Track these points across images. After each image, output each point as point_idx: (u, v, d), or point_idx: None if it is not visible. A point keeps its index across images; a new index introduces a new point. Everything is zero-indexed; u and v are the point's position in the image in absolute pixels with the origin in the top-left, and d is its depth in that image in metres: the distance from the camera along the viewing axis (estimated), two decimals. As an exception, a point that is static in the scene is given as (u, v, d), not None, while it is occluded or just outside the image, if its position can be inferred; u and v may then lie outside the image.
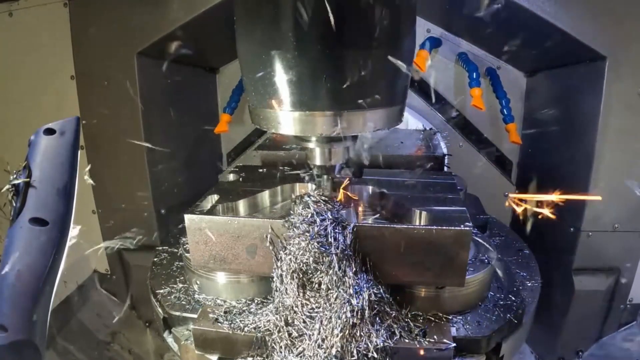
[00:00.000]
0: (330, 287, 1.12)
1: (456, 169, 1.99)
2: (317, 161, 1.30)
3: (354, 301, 1.10)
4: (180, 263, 1.58)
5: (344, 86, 1.09)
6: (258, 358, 1.20)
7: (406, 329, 1.19)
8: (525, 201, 1.37)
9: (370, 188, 1.48)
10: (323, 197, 1.25)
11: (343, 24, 1.03)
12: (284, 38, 1.05)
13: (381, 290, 1.17)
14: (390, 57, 1.11)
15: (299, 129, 1.15)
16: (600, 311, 1.95)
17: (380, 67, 1.11)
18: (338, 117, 1.12)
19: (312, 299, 1.15)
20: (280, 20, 1.05)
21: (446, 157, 1.83)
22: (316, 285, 1.14)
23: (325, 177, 1.36)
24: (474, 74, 2.06)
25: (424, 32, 2.20)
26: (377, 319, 1.15)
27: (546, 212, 1.29)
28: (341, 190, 1.37)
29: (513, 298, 1.35)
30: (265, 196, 1.50)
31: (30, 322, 0.86)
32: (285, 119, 1.15)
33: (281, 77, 1.09)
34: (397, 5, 1.09)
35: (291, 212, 1.23)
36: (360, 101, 1.12)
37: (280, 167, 1.66)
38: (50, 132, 0.95)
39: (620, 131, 1.67)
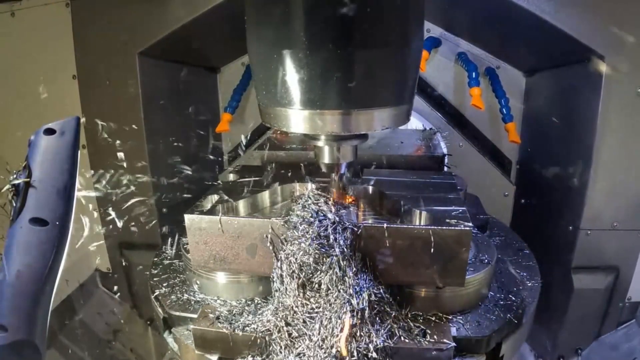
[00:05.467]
0: (330, 287, 1.12)
1: (456, 169, 1.99)
2: (326, 159, 1.31)
3: (354, 301, 1.10)
4: (181, 263, 1.59)
5: (354, 85, 1.09)
6: (258, 358, 1.21)
7: (406, 329, 1.19)
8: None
9: (370, 188, 1.49)
10: (323, 197, 1.26)
11: (353, 24, 1.04)
12: (295, 37, 1.05)
13: (381, 290, 1.17)
14: (398, 56, 1.12)
15: (309, 127, 1.16)
16: (599, 309, 1.95)
17: (389, 66, 1.12)
18: (347, 116, 1.13)
19: (312, 299, 1.15)
20: (291, 19, 1.05)
21: (446, 157, 1.83)
22: (316, 285, 1.14)
23: (332, 175, 1.36)
24: (474, 73, 2.06)
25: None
26: (377, 319, 1.15)
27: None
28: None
29: (513, 298, 1.36)
30: (265, 196, 1.50)
31: (30, 322, 0.86)
32: (295, 117, 1.16)
33: (292, 75, 1.09)
34: (406, 4, 1.10)
35: (291, 212, 1.23)
36: (368, 100, 1.13)
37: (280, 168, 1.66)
38: (50, 132, 0.95)
39: (619, 130, 1.67)
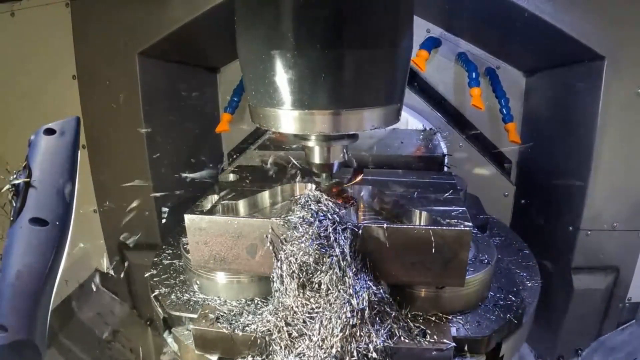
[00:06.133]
0: (330, 287, 1.12)
1: (456, 169, 1.99)
2: (316, 159, 1.31)
3: (354, 301, 1.10)
4: (181, 262, 1.58)
5: (342, 85, 1.10)
6: (258, 358, 1.21)
7: (406, 329, 1.19)
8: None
9: (370, 188, 1.49)
10: (324, 197, 1.26)
11: (341, 24, 1.04)
12: (283, 38, 1.06)
13: (381, 290, 1.17)
14: (387, 57, 1.12)
15: (298, 127, 1.16)
16: (599, 310, 1.95)
17: (378, 66, 1.12)
18: (337, 116, 1.13)
19: (312, 299, 1.15)
20: (279, 20, 1.06)
21: (446, 157, 1.83)
22: (316, 286, 1.14)
23: (324, 175, 1.36)
24: (474, 73, 2.06)
25: (423, 32, 2.19)
26: (377, 319, 1.15)
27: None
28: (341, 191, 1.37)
29: (513, 298, 1.36)
30: (265, 196, 1.50)
31: (30, 322, 0.86)
32: (285, 117, 1.16)
33: (281, 76, 1.09)
34: (395, 4, 1.10)
35: (291, 212, 1.23)
36: (358, 100, 1.13)
37: (280, 167, 1.66)
38: (50, 132, 0.96)
39: (619, 130, 1.67)
